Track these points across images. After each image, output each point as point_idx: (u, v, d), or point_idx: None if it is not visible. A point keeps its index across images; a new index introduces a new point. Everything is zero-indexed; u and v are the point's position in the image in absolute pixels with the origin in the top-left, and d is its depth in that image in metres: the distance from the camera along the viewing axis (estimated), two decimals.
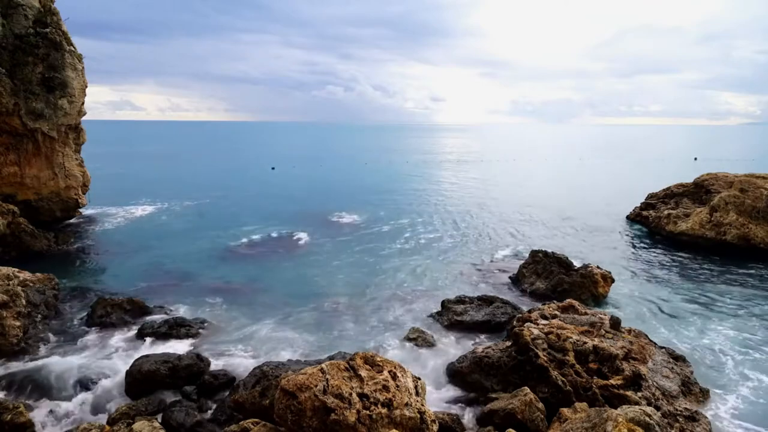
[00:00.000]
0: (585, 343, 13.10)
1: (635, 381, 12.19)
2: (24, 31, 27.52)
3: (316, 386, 9.53)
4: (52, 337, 16.63)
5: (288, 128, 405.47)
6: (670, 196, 34.59)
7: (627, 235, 33.22)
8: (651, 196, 35.98)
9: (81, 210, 34.46)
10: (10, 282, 16.98)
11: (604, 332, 14.08)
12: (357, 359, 10.58)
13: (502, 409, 11.35)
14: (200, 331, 17.14)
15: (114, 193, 44.69)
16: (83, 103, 31.24)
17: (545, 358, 12.66)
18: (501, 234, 33.06)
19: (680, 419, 11.51)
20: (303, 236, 31.52)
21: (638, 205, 36.07)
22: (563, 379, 12.23)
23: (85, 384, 13.77)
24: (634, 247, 29.99)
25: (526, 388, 11.88)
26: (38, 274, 19.07)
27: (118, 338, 16.76)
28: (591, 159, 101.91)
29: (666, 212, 32.08)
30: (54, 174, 30.20)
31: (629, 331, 14.87)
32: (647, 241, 31.19)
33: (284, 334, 17.50)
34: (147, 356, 14.42)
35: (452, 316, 18.03)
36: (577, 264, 22.81)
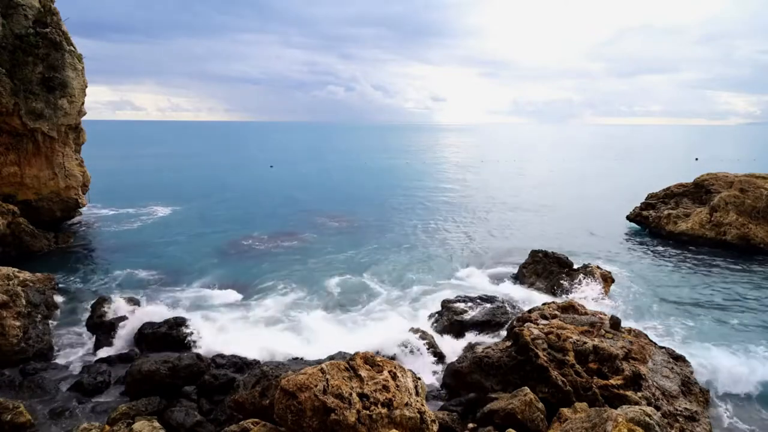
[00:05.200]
0: (585, 343, 13.10)
1: (635, 381, 12.18)
2: (24, 31, 27.49)
3: (316, 386, 9.52)
4: (51, 337, 16.62)
5: (288, 128, 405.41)
6: (670, 196, 34.56)
7: (627, 235, 33.22)
8: (651, 196, 35.95)
9: (81, 210, 34.45)
10: (10, 282, 16.98)
11: (604, 332, 14.08)
12: (357, 359, 10.58)
13: (502, 409, 11.34)
14: (200, 330, 17.11)
15: (114, 194, 44.71)
16: (83, 103, 31.22)
17: (545, 358, 12.65)
18: (501, 234, 33.07)
19: (680, 419, 11.50)
20: (302, 236, 31.52)
21: (638, 205, 36.03)
22: (563, 379, 12.22)
23: (85, 384, 13.76)
24: (634, 247, 29.98)
25: (526, 388, 11.87)
26: (38, 274, 19.07)
27: (118, 338, 16.75)
28: (591, 159, 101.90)
29: (666, 212, 32.08)
30: (54, 174, 30.18)
31: (629, 331, 14.85)
32: (647, 241, 31.18)
33: (284, 333, 17.50)
34: (147, 356, 14.42)
35: (452, 316, 18.02)
36: (577, 264, 22.81)
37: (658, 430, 9.33)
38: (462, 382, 13.74)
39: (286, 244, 29.54)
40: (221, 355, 15.37)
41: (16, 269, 18.23)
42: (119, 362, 15.36)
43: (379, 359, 10.69)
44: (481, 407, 12.14)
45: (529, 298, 20.86)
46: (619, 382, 12.10)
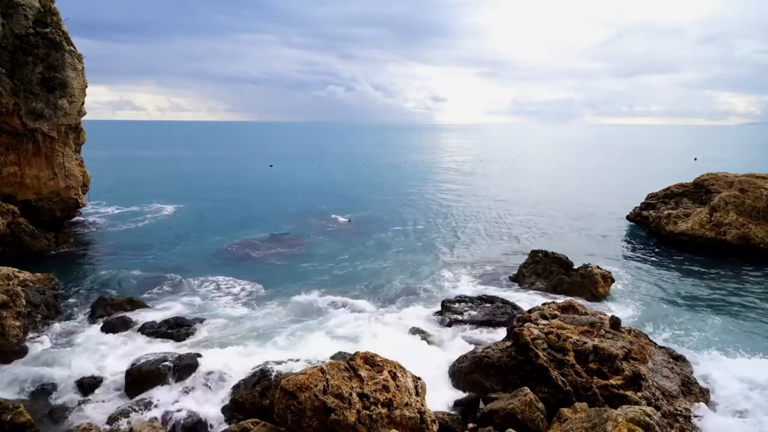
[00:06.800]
0: (585, 343, 13.09)
1: (635, 381, 12.18)
2: (24, 31, 27.48)
3: (316, 386, 9.52)
4: (52, 337, 16.62)
5: (288, 128, 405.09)
6: (670, 196, 34.53)
7: (627, 235, 33.23)
8: (651, 196, 35.93)
9: (82, 210, 34.44)
10: (10, 282, 16.97)
11: (604, 332, 14.08)
12: (357, 359, 10.58)
13: (502, 409, 11.33)
14: (200, 330, 17.12)
15: (114, 194, 44.70)
16: (83, 103, 31.20)
17: (545, 358, 12.65)
18: (501, 234, 33.06)
19: (680, 419, 11.50)
20: (302, 236, 31.51)
21: (638, 205, 36.03)
22: (563, 379, 12.21)
23: (85, 384, 13.75)
24: (634, 247, 29.98)
25: (526, 388, 11.86)
26: (38, 274, 19.06)
27: (118, 338, 16.75)
28: (591, 159, 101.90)
29: (666, 212, 32.05)
30: (54, 174, 30.16)
31: (629, 331, 14.85)
32: (647, 241, 31.18)
33: (284, 334, 17.48)
34: (147, 356, 14.42)
35: (452, 316, 18.03)
36: (577, 264, 22.80)
37: (658, 430, 9.33)
38: (462, 382, 13.74)
39: (285, 246, 29.54)
40: None
41: (16, 269, 18.22)
42: (119, 361, 15.33)
43: (379, 359, 10.69)
44: (481, 407, 12.14)
45: (529, 298, 20.87)
46: (619, 382, 12.10)
